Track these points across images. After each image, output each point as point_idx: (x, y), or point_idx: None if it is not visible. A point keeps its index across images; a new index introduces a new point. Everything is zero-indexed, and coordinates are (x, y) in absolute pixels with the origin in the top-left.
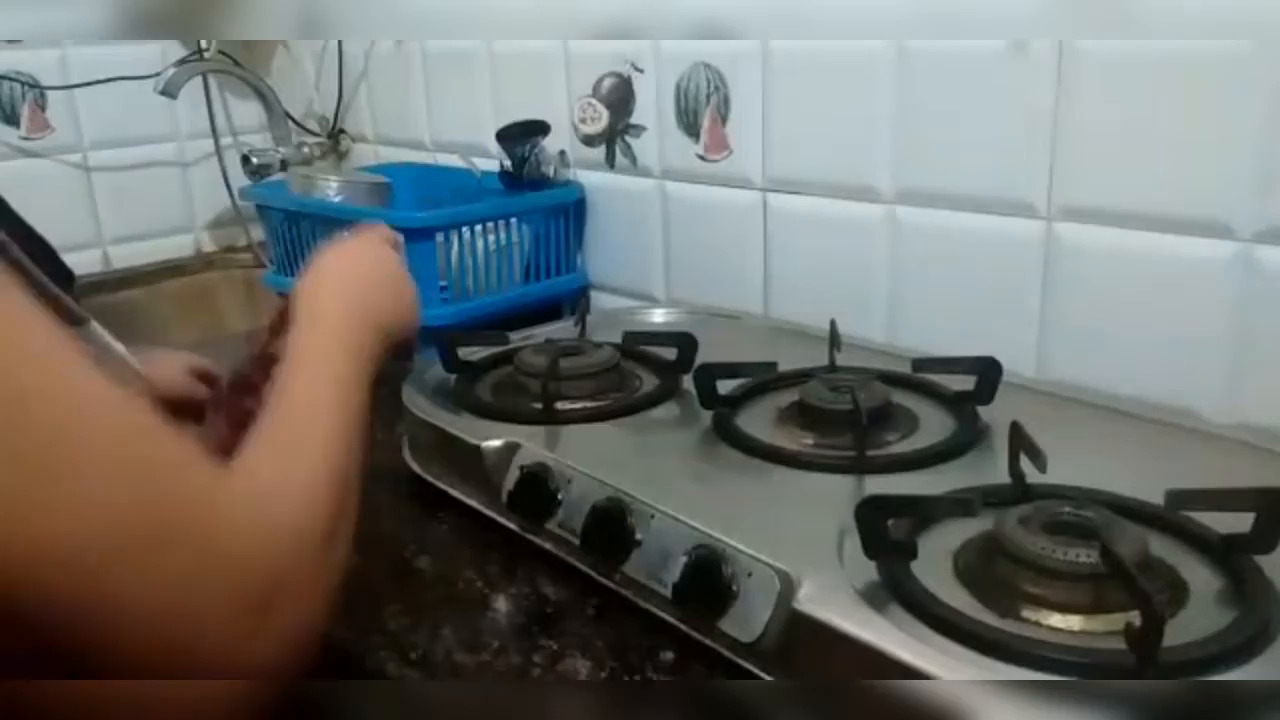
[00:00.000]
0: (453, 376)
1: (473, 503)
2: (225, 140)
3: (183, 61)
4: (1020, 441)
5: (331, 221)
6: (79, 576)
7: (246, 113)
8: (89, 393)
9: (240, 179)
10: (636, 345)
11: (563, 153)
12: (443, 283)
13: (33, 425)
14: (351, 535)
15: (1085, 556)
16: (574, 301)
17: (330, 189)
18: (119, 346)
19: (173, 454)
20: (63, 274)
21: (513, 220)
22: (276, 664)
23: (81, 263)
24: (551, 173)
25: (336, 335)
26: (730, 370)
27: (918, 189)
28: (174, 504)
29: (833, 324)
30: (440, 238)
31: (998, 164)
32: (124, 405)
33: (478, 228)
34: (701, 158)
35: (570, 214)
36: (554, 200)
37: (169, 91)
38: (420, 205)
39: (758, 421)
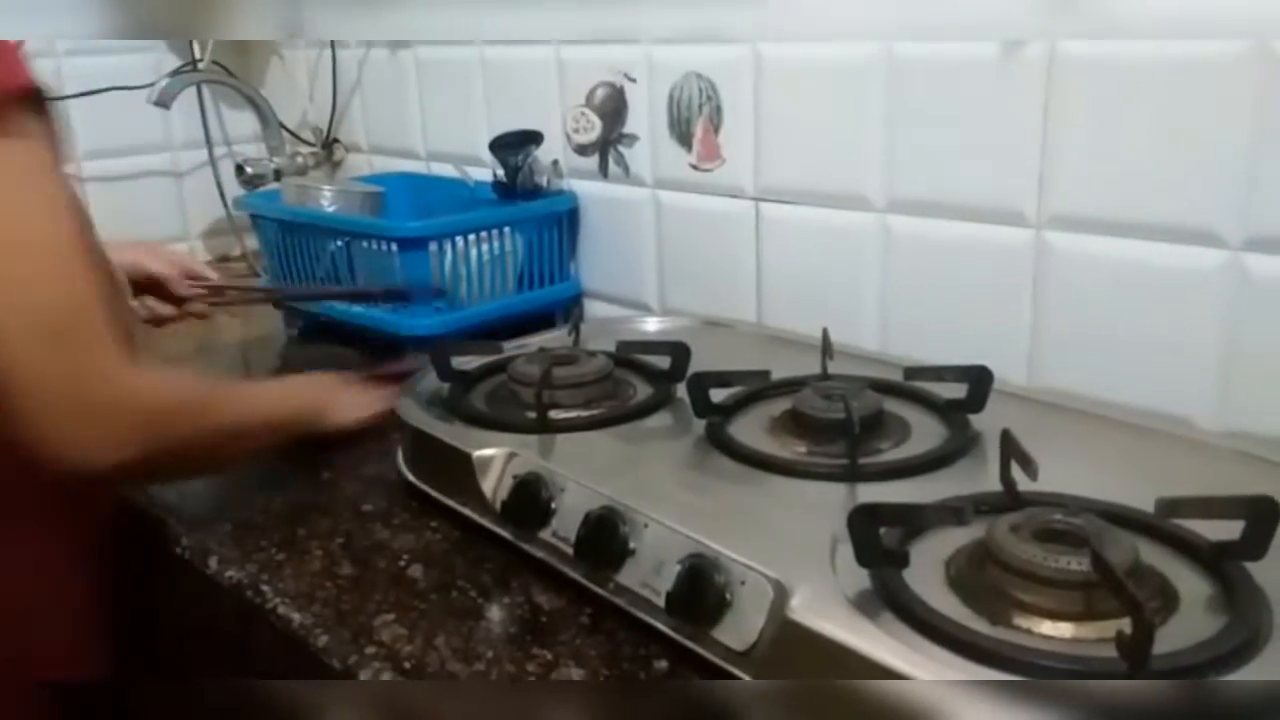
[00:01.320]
0: (446, 385)
1: (466, 511)
2: (219, 150)
3: (176, 72)
4: (1011, 449)
5: (326, 231)
6: None
7: (240, 123)
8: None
9: (234, 189)
10: (630, 354)
11: (556, 162)
12: None
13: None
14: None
15: (1076, 564)
16: (567, 310)
17: (324, 199)
18: None
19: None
20: None
21: (506, 229)
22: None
23: None
24: (545, 182)
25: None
26: (723, 379)
27: (909, 198)
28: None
29: (825, 332)
30: (434, 247)
31: (988, 173)
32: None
33: (471, 237)
34: (694, 167)
35: (563, 223)
36: (547, 209)
37: (163, 102)
38: (414, 215)
39: (750, 430)
